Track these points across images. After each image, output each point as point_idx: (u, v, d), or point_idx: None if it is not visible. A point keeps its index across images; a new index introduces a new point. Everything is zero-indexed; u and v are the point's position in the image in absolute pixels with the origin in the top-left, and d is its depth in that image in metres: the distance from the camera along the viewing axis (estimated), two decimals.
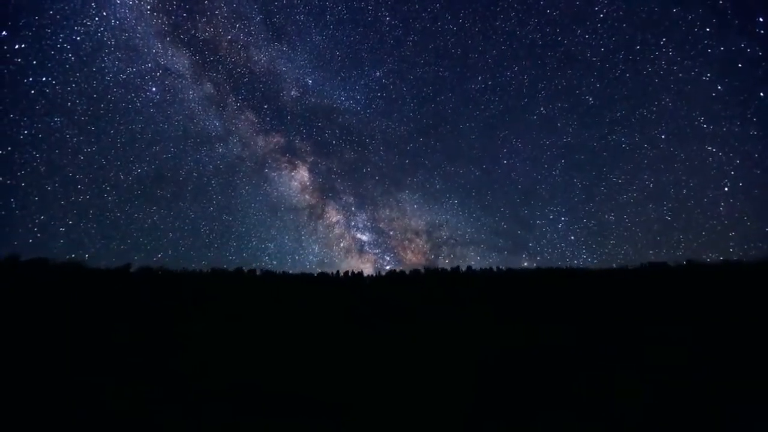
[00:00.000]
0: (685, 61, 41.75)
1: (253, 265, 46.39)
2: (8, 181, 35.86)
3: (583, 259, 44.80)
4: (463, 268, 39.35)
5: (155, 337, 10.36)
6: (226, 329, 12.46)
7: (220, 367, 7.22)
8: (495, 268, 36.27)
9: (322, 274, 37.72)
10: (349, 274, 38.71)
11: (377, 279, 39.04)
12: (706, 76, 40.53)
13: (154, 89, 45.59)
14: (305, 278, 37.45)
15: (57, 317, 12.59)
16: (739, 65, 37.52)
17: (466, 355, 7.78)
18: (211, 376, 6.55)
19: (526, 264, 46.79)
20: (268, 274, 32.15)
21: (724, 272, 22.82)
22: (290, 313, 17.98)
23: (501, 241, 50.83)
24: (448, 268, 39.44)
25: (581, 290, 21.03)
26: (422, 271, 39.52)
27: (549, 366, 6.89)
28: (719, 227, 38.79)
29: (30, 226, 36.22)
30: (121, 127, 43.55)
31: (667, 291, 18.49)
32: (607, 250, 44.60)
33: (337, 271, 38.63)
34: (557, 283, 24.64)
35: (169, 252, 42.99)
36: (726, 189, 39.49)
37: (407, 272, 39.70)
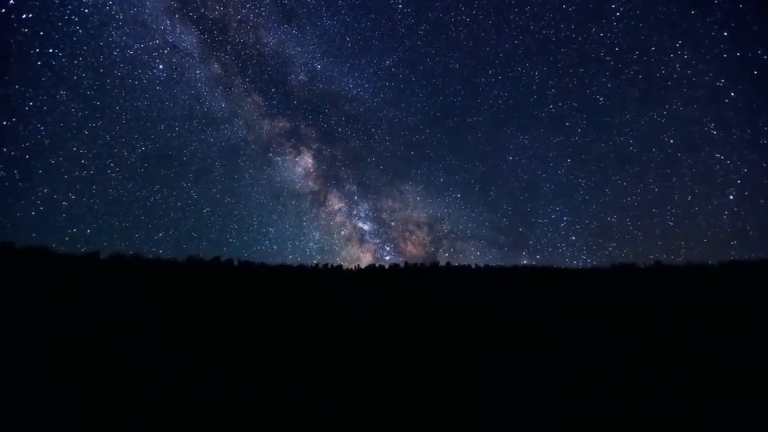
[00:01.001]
0: (700, 65, 39.63)
1: (254, 249, 46.07)
2: (12, 153, 34.76)
3: (582, 260, 43.81)
4: (462, 263, 39.30)
5: (122, 327, 10.13)
6: (199, 320, 12.31)
7: (189, 358, 7.19)
8: (474, 266, 37.08)
9: (302, 266, 37.51)
10: (329, 266, 38.67)
11: (356, 272, 39.21)
12: (720, 82, 38.56)
13: (161, 66, 44.56)
14: (284, 269, 37.11)
15: (21, 305, 12.02)
16: (755, 72, 36.15)
17: (457, 353, 8.08)
18: (180, 367, 6.53)
19: (525, 262, 46.53)
20: (246, 265, 31.65)
21: (724, 273, 23.44)
22: (267, 305, 17.89)
23: (502, 237, 50.03)
24: (428, 264, 40.05)
25: (579, 289, 21.39)
26: (401, 266, 39.99)
27: (547, 366, 7.11)
28: (721, 235, 38.01)
29: (33, 198, 35.37)
30: (127, 104, 42.37)
31: (669, 290, 19.03)
32: (606, 252, 43.62)
33: (317, 263, 38.53)
34: (555, 281, 25.12)
35: (170, 231, 42.88)
36: (731, 197, 37.92)
37: (386, 267, 40.07)
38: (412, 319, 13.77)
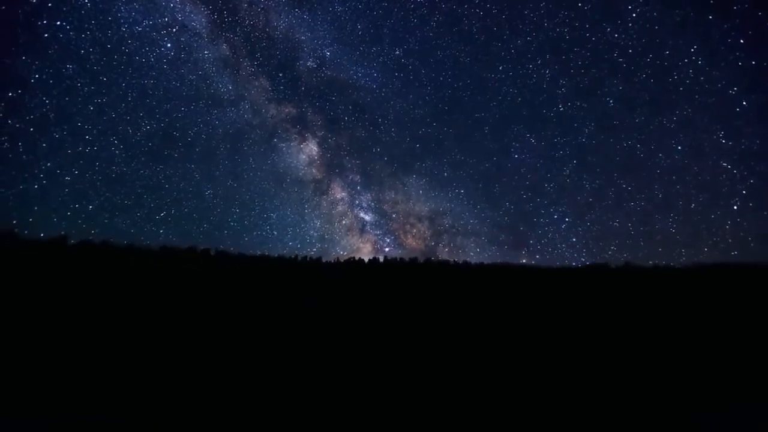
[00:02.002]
0: (714, 72, 38.85)
1: (255, 233, 45.92)
2: (17, 125, 34.57)
3: (581, 263, 43.54)
4: (461, 259, 39.38)
5: (85, 317, 9.92)
6: (171, 311, 12.17)
7: (155, 351, 7.18)
8: (451, 261, 37.84)
9: (281, 257, 37.28)
10: (308, 259, 38.57)
11: (335, 265, 39.28)
12: (733, 90, 37.94)
13: (169, 45, 43.33)
14: (262, 260, 36.78)
15: None
16: None
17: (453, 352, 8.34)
18: (142, 361, 6.53)
19: (524, 261, 46.49)
20: (222, 255, 31.19)
21: (722, 274, 23.92)
22: (243, 297, 17.79)
23: (502, 235, 50.04)
24: (407, 259, 40.55)
25: (577, 288, 21.85)
26: (380, 260, 40.36)
27: (545, 365, 7.35)
28: (722, 245, 37.98)
29: (36, 172, 35.21)
30: (133, 81, 41.82)
31: (668, 291, 19.44)
32: (606, 256, 43.50)
33: (296, 255, 38.40)
34: (552, 280, 25.50)
35: (172, 211, 43.05)
36: (735, 207, 37.50)
37: (366, 261, 40.32)
38: (388, 315, 14.06)
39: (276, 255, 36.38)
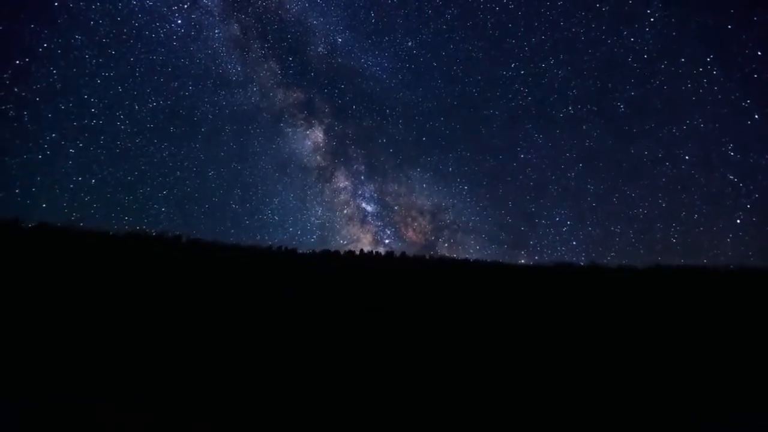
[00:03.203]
0: (728, 84, 38.08)
1: (255, 217, 46.78)
2: (23, 93, 33.41)
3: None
4: (459, 256, 39.03)
5: (38, 306, 9.44)
6: (138, 301, 11.76)
7: (114, 343, 6.98)
8: (429, 256, 38.36)
9: (253, 247, 36.52)
10: (283, 249, 38.00)
11: (311, 255, 38.94)
12: (746, 102, 37.06)
13: (179, 21, 42.13)
14: (234, 249, 35.88)
15: None
16: None
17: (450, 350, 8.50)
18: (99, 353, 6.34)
19: (523, 261, 46.09)
20: (195, 243, 30.17)
21: (723, 275, 24.06)
22: (214, 288, 17.39)
23: (503, 234, 49.77)
24: (374, 251, 40.78)
25: (575, 287, 22.12)
26: (356, 253, 40.32)
27: (544, 365, 7.42)
28: (721, 257, 37.73)
29: (40, 142, 34.41)
30: (142, 56, 40.64)
31: (668, 292, 19.73)
32: (605, 261, 43.68)
33: (270, 245, 37.75)
34: (550, 279, 25.55)
35: (174, 190, 42.49)
36: (738, 221, 36.82)
37: (341, 252, 40.20)
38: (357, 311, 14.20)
39: (248, 244, 35.56)
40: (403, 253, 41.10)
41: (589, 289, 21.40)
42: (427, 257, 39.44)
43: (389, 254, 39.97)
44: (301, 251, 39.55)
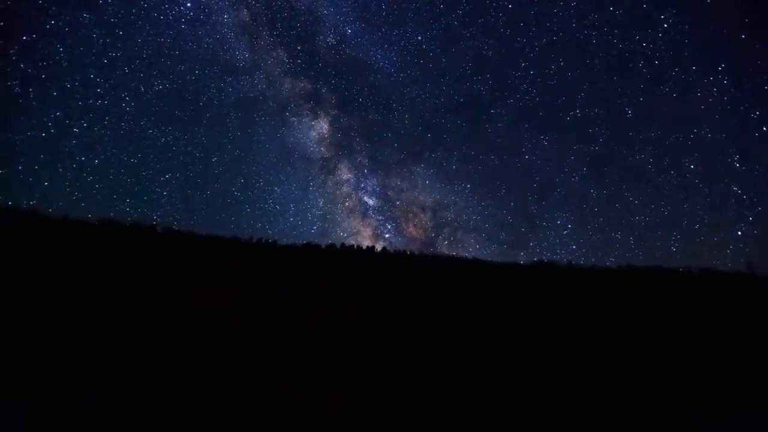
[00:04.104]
0: (738, 94, 38.12)
1: (257, 205, 47.46)
2: (29, 70, 33.00)
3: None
4: (458, 254, 38.58)
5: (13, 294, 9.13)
6: (112, 290, 11.51)
7: (82, 334, 6.93)
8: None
9: (234, 238, 35.81)
10: (263, 241, 37.45)
11: (291, 248, 38.55)
12: (755, 114, 37.16)
13: (189, 4, 40.64)
14: (211, 239, 35.04)
15: None
16: None
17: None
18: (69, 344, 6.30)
19: (522, 262, 46.82)
20: (171, 232, 29.30)
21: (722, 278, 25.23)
22: (193, 277, 17.14)
23: (503, 234, 50.18)
24: (364, 247, 40.95)
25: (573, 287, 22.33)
26: (338, 246, 40.27)
27: (542, 365, 7.54)
28: (721, 269, 38.85)
29: (44, 120, 34.03)
30: (149, 38, 40.40)
31: (667, 294, 20.33)
32: (603, 267, 44.77)
33: (251, 237, 37.17)
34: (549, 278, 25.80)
35: (177, 174, 42.63)
36: (739, 233, 37.51)
37: (323, 246, 40.05)
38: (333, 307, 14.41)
39: (229, 236, 34.79)
40: (384, 248, 41.48)
41: (590, 289, 22.27)
42: (409, 253, 39.98)
43: (370, 248, 40.19)
44: (281, 243, 39.11)
